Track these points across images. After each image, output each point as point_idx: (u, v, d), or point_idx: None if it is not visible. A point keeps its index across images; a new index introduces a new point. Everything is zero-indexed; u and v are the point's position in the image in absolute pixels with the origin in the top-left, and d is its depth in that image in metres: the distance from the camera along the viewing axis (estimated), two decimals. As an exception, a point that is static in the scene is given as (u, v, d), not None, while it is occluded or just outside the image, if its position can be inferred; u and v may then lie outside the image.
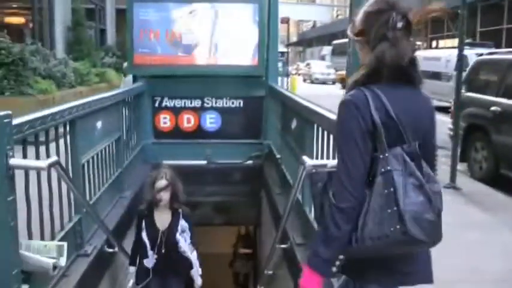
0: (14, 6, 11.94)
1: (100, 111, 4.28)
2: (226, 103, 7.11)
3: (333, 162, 2.42)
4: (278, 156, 5.93)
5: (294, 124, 4.88)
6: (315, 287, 1.85)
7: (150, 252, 4.23)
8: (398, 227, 1.67)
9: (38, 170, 2.54)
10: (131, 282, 4.36)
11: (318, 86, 29.19)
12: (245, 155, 7.21)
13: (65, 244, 2.81)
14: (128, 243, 4.91)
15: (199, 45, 6.74)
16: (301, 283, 1.88)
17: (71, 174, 3.62)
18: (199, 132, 7.12)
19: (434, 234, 1.73)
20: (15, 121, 2.62)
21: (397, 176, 1.70)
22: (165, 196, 4.26)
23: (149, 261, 4.26)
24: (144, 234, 4.25)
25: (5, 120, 2.38)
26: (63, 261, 2.83)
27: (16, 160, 2.42)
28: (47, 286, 3.04)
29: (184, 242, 4.33)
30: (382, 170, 1.73)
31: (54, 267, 2.73)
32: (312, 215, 3.75)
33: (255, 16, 6.69)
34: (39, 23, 11.94)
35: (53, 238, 3.23)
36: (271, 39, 6.99)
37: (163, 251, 4.24)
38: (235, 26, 6.73)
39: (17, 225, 2.51)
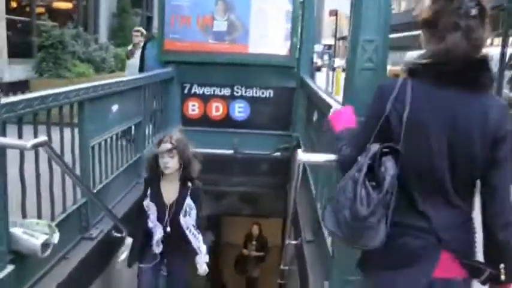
0: (63, -9, 12.15)
1: (115, 95, 4.24)
2: (256, 93, 6.98)
3: (327, 157, 2.30)
4: (302, 149, 5.79)
5: (315, 117, 4.73)
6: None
7: (156, 228, 3.69)
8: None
9: (22, 150, 2.49)
10: (124, 254, 3.72)
11: None
12: (273, 147, 7.08)
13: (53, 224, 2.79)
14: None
15: (230, 33, 6.63)
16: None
17: (78, 157, 3.64)
18: (227, 121, 7.03)
19: (350, 234, 1.73)
20: (8, 99, 2.61)
21: (353, 168, 1.73)
22: (171, 163, 3.58)
23: (155, 238, 3.71)
24: (146, 203, 3.70)
25: (-10, 99, 2.36)
26: (56, 238, 2.81)
27: (2, 139, 2.39)
28: (42, 268, 3.04)
29: (187, 225, 3.69)
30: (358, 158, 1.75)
31: (45, 246, 2.71)
32: (320, 212, 3.63)
33: (288, 5, 6.53)
34: (84, 8, 12.13)
35: (53, 220, 3.22)
36: (305, 30, 6.81)
37: (168, 229, 3.68)
38: (268, 15, 6.59)
39: (2, 203, 2.49)
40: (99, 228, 3.85)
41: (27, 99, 2.74)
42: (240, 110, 7.03)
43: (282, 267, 5.07)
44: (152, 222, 3.70)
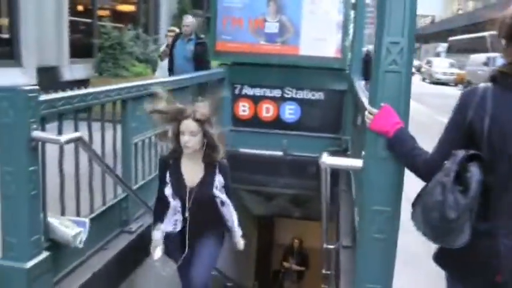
0: (125, -6, 12.58)
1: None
2: (306, 95, 6.95)
3: (351, 161, 2.30)
4: (349, 152, 5.73)
5: (359, 121, 4.68)
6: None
7: (176, 216, 3.18)
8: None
9: (56, 144, 2.61)
10: (158, 249, 3.24)
11: (434, 87, 26.65)
12: (322, 149, 6.97)
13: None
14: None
15: (281, 34, 6.65)
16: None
17: (120, 153, 3.76)
18: (277, 123, 7.03)
19: (438, 233, 1.83)
20: (50, 96, 2.74)
21: (440, 173, 1.80)
22: (192, 142, 3.01)
23: (171, 225, 3.20)
24: (166, 190, 3.14)
25: (30, 95, 2.49)
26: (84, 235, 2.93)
27: (38, 133, 2.52)
28: (79, 257, 3.17)
29: (221, 198, 3.20)
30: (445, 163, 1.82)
31: (76, 237, 2.84)
32: (357, 217, 3.58)
33: (340, 7, 6.48)
34: (145, 10, 12.48)
35: (92, 213, 3.36)
36: (357, 32, 6.73)
37: (187, 214, 3.14)
38: (320, 17, 6.55)
39: (39, 194, 2.62)
40: (140, 222, 3.97)
41: (67, 97, 2.87)
42: (290, 112, 7.02)
43: (323, 271, 5.04)
44: (174, 210, 3.18)
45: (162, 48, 8.49)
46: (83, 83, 7.44)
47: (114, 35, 8.81)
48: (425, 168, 1.93)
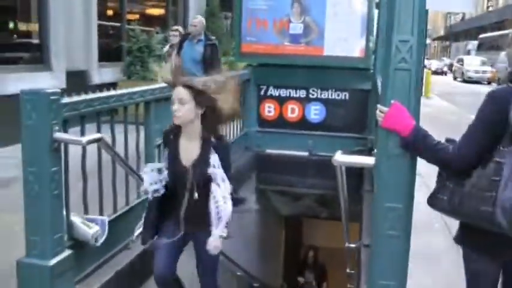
0: (155, -2, 12.77)
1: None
2: (331, 95, 6.96)
3: (364, 159, 2.32)
4: (374, 151, 5.70)
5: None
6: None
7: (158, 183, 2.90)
8: (490, 209, 1.99)
9: (78, 145, 2.70)
10: (139, 228, 3.04)
11: (467, 85, 26.09)
12: (348, 149, 6.99)
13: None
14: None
15: (306, 35, 6.67)
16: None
17: (143, 155, 3.85)
18: (303, 123, 7.06)
19: None
20: (72, 99, 2.83)
21: (506, 170, 1.98)
22: (181, 111, 2.72)
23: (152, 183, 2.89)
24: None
25: (52, 98, 2.58)
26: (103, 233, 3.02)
27: (60, 134, 2.61)
28: (102, 255, 3.26)
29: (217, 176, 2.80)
30: (497, 159, 2.02)
31: (96, 239, 2.93)
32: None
33: (363, 7, 6.47)
34: (174, 13, 12.64)
35: (115, 212, 3.45)
36: (382, 31, 6.69)
37: (196, 195, 2.84)
38: (343, 17, 6.55)
39: (61, 194, 2.71)
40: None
41: (89, 99, 2.96)
42: (315, 112, 7.04)
43: (348, 270, 5.05)
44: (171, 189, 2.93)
45: (166, 48, 8.02)
46: (111, 86, 7.60)
47: (142, 38, 8.97)
48: (460, 163, 2.10)
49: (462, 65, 30.72)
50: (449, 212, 2.23)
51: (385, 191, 2.19)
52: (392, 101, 2.12)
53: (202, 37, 7.11)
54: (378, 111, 2.19)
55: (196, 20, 7.21)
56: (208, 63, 6.78)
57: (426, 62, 37.29)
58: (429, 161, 2.17)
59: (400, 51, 2.12)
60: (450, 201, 2.16)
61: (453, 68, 32.50)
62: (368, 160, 2.36)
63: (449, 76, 30.09)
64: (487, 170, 2.03)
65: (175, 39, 7.57)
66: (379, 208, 2.22)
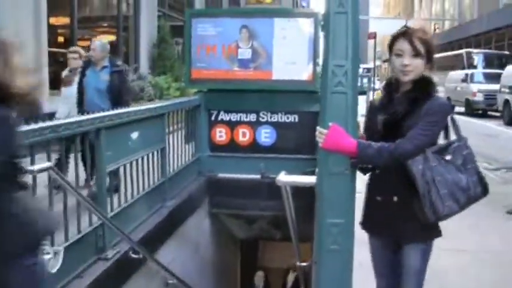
0: (105, 25, 12.78)
1: (134, 122, 4.48)
2: (281, 118, 7.11)
3: (306, 179, 2.45)
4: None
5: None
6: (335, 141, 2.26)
7: None
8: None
9: (29, 174, 2.71)
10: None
11: None
12: (300, 170, 7.13)
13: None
14: (164, 253, 5.08)
15: (254, 60, 6.83)
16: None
17: (93, 182, 3.87)
18: (254, 147, 7.17)
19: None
20: (22, 128, 2.84)
21: None
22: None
23: None
24: None
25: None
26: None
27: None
28: (55, 285, 3.24)
29: None
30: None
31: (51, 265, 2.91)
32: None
33: (310, 31, 6.69)
34: (125, 40, 12.70)
35: (67, 240, 3.44)
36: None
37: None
38: (291, 41, 6.74)
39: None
40: (117, 249, 4.04)
41: (39, 128, 2.98)
42: (266, 135, 7.16)
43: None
44: None
45: (65, 73, 6.75)
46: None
47: (91, 66, 8.93)
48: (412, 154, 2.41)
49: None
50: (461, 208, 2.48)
51: (326, 208, 2.31)
52: (330, 124, 2.26)
53: (107, 63, 6.08)
54: (317, 133, 2.32)
55: (95, 43, 6.16)
56: (116, 94, 5.89)
57: (379, 83, 38.15)
58: (385, 162, 2.43)
59: (336, 75, 2.27)
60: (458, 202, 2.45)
61: None
62: (310, 179, 2.49)
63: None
64: None
65: (75, 63, 6.49)
66: (322, 224, 2.33)
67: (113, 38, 12.47)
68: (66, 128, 3.30)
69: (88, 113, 3.90)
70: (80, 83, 6.04)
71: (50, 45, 8.77)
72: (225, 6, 21.90)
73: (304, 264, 4.17)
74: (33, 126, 2.96)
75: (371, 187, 2.71)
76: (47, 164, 2.78)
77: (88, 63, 6.16)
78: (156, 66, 13.34)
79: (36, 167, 2.66)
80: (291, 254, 10.34)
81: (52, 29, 9.00)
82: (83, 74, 6.08)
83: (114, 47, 12.22)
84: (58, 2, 9.88)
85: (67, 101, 6.23)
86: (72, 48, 7.17)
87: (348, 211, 2.30)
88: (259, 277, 10.04)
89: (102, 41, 6.39)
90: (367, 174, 2.70)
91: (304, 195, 7.22)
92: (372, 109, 2.74)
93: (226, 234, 8.53)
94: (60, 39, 10.17)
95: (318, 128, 2.33)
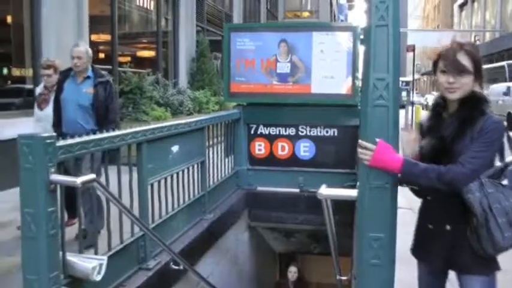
0: (144, 41, 13.05)
1: (175, 136, 4.55)
2: (320, 132, 7.09)
3: (348, 192, 2.44)
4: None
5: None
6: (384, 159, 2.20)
7: None
8: None
9: (73, 186, 2.79)
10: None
11: None
12: (338, 185, 7.11)
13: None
14: (204, 264, 5.13)
15: (293, 74, 6.86)
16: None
17: (136, 194, 3.94)
18: (293, 160, 7.16)
19: None
20: (66, 142, 2.95)
21: None
22: None
23: None
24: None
25: (47, 141, 2.70)
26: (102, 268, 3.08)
27: (56, 176, 2.71)
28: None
29: None
30: None
31: (96, 270, 3.00)
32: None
33: (349, 45, 6.68)
34: (165, 55, 12.93)
35: (110, 250, 3.52)
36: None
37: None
38: (330, 54, 6.75)
39: (57, 233, 2.80)
40: (158, 259, 4.11)
41: (83, 142, 3.08)
42: (305, 150, 7.15)
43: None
44: None
45: (38, 90, 5.57)
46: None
47: (134, 80, 9.16)
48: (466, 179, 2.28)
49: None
50: None
51: (368, 221, 2.30)
52: (377, 140, 2.23)
53: (90, 73, 4.97)
54: (360, 149, 2.28)
55: (78, 49, 4.93)
56: (103, 111, 4.85)
57: (418, 97, 37.51)
58: (431, 184, 2.31)
59: (377, 88, 2.26)
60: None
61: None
62: (351, 192, 2.47)
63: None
64: None
65: (49, 80, 5.32)
66: (363, 238, 2.32)
67: (152, 53, 12.73)
68: (109, 141, 3.38)
69: (68, 136, 3.38)
70: (56, 100, 4.95)
71: (92, 62, 8.98)
72: (263, 21, 22.08)
73: (343, 278, 4.12)
74: (78, 139, 3.06)
75: (422, 214, 2.64)
76: (91, 176, 2.85)
77: (66, 75, 4.98)
78: (194, 80, 13.53)
79: (79, 180, 2.73)
80: (328, 268, 10.27)
81: (93, 46, 9.25)
82: (59, 89, 4.95)
83: (153, 62, 12.51)
84: (99, 19, 10.16)
85: (40, 124, 5.21)
86: (44, 61, 5.59)
87: (389, 225, 2.28)
88: (291, 273, 9.92)
89: (86, 46, 5.13)
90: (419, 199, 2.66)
91: (343, 209, 7.23)
92: (421, 132, 2.63)
93: (264, 248, 8.53)
94: (101, 55, 10.44)
95: (361, 141, 2.29)
